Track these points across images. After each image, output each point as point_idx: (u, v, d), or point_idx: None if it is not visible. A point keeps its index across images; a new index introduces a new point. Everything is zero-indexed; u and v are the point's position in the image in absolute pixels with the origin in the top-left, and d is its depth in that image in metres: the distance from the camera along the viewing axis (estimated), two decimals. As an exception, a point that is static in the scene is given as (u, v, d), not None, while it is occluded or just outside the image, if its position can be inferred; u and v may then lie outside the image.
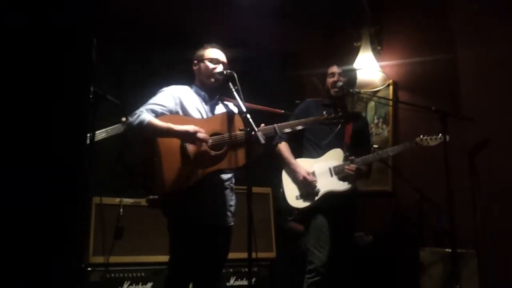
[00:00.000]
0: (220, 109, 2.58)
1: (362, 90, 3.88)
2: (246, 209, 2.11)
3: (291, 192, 2.96)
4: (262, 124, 2.41)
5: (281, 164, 3.05)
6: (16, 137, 1.27)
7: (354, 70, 3.33)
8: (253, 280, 3.45)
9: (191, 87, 2.58)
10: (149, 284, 3.19)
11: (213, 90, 2.55)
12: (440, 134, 2.77)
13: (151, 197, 2.49)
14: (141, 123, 2.30)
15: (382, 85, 4.13)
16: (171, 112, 2.41)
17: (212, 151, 2.36)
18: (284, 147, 3.05)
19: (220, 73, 2.47)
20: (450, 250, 2.79)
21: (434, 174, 3.26)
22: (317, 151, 3.05)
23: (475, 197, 3.09)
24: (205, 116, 2.49)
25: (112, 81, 3.61)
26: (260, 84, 3.88)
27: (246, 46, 3.85)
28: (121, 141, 2.97)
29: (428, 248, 3.24)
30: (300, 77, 4.62)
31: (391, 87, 4.08)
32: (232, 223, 2.50)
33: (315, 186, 2.91)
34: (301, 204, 2.93)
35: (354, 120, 3.18)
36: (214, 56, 2.54)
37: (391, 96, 4.05)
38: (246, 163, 2.38)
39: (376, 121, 4.19)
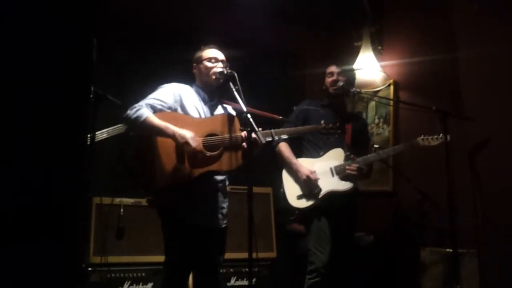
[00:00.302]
0: (219, 111, 2.58)
1: (362, 90, 3.87)
2: (246, 209, 2.11)
3: (292, 192, 2.95)
4: (260, 129, 2.40)
5: (282, 164, 3.04)
6: (17, 137, 1.27)
7: (352, 70, 3.33)
8: (254, 280, 3.45)
9: (192, 87, 2.58)
10: (150, 284, 3.19)
11: (214, 90, 2.55)
12: (441, 134, 2.77)
13: (150, 197, 2.49)
14: (138, 118, 2.29)
15: (382, 85, 4.12)
16: (170, 108, 2.40)
17: (208, 152, 2.35)
18: (284, 147, 3.05)
19: (221, 72, 2.47)
20: (450, 250, 2.78)
21: (435, 174, 3.26)
22: (317, 151, 3.05)
23: (475, 197, 3.09)
24: (203, 116, 2.48)
25: (112, 81, 3.61)
26: (261, 84, 3.88)
27: (246, 45, 3.85)
28: (122, 141, 2.96)
29: (429, 248, 3.24)
30: (300, 77, 4.62)
31: (391, 87, 4.07)
32: (225, 225, 2.50)
33: (318, 185, 2.91)
34: (302, 204, 2.92)
35: (353, 120, 3.18)
36: (212, 55, 2.54)
37: (391, 96, 4.04)
38: (240, 166, 2.40)
39: (376, 121, 4.19)
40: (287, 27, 4.53)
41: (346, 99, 3.41)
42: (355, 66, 3.97)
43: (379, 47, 4.23)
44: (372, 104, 4.25)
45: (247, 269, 3.25)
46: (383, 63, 4.12)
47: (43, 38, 1.33)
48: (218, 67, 2.50)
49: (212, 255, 2.46)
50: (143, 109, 2.31)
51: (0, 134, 1.24)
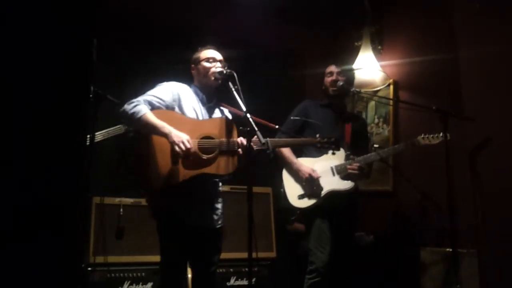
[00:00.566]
0: (216, 113, 2.58)
1: (362, 90, 3.88)
2: (246, 209, 2.11)
3: (292, 192, 2.95)
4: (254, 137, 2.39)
5: (282, 163, 3.04)
6: (17, 137, 1.27)
7: (352, 70, 3.33)
8: (254, 280, 3.44)
9: (190, 87, 2.57)
10: (149, 284, 3.19)
11: (213, 91, 2.55)
12: (442, 133, 2.77)
13: (147, 197, 2.50)
14: (135, 114, 2.27)
15: (382, 85, 4.12)
16: (167, 107, 2.39)
17: (204, 155, 2.35)
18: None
19: (220, 72, 2.47)
20: (450, 250, 2.78)
21: (435, 174, 3.25)
22: (317, 150, 3.04)
23: (475, 196, 3.09)
24: (200, 118, 2.48)
25: (112, 81, 3.61)
26: (260, 84, 3.88)
27: (246, 45, 3.85)
28: (122, 141, 2.96)
29: (429, 248, 3.24)
30: (300, 77, 4.61)
31: (391, 86, 4.07)
32: (220, 225, 2.50)
33: (319, 185, 2.90)
34: (303, 204, 2.91)
35: (353, 120, 3.18)
36: (210, 55, 2.54)
37: (391, 96, 4.04)
38: (236, 170, 2.38)
39: (376, 120, 4.19)
40: (287, 27, 4.53)
41: (346, 99, 3.41)
42: (355, 66, 3.97)
43: (379, 47, 4.23)
44: (372, 103, 4.25)
45: (246, 269, 3.24)
46: (383, 62, 4.12)
47: (44, 38, 1.33)
48: (217, 67, 2.50)
49: (208, 255, 2.46)
50: (141, 105, 2.30)
51: (0, 134, 1.23)
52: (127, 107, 2.30)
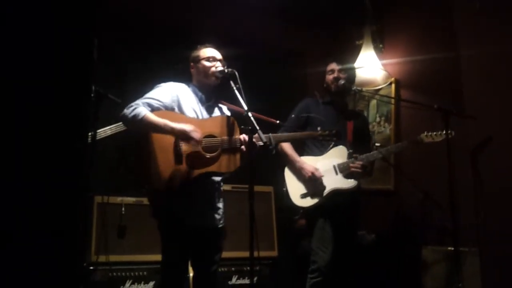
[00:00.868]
0: (216, 112, 2.57)
1: (364, 88, 3.87)
2: (248, 208, 2.11)
3: (295, 191, 2.93)
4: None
5: (284, 162, 3.03)
6: (18, 136, 1.27)
7: (353, 68, 3.32)
8: (255, 279, 3.46)
9: (189, 86, 2.56)
10: (151, 283, 3.19)
11: (212, 90, 2.55)
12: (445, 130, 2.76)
13: (148, 194, 2.50)
14: (136, 116, 2.28)
15: (384, 83, 4.12)
16: (166, 108, 2.39)
17: (207, 154, 2.35)
18: (286, 145, 3.03)
19: (221, 71, 2.46)
20: (452, 249, 2.78)
21: (436, 173, 3.25)
22: (319, 149, 3.03)
23: (477, 195, 3.08)
24: (200, 117, 2.47)
25: (113, 80, 3.61)
26: (261, 83, 3.87)
27: (247, 45, 3.85)
28: (123, 140, 2.96)
29: (431, 247, 3.24)
30: (301, 76, 4.61)
31: (393, 85, 4.07)
32: (221, 225, 2.50)
33: (322, 183, 2.89)
34: (306, 203, 2.90)
35: (355, 118, 3.17)
36: (209, 54, 2.53)
37: (393, 94, 4.04)
38: (238, 168, 2.38)
39: (378, 119, 4.18)
40: (287, 26, 4.53)
41: (347, 97, 3.41)
42: (356, 64, 3.97)
43: (380, 46, 4.23)
44: (374, 102, 4.24)
45: (248, 268, 3.26)
46: (384, 61, 4.12)
47: (44, 38, 1.33)
48: (217, 66, 2.49)
49: (209, 254, 2.46)
50: (140, 108, 2.30)
51: (1, 133, 1.24)
52: (127, 111, 2.31)
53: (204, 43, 2.60)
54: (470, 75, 3.32)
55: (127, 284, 3.14)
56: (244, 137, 2.35)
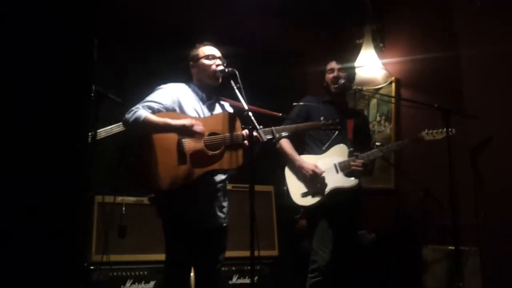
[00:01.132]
0: (217, 109, 2.57)
1: (364, 88, 3.87)
2: (248, 208, 2.11)
3: (296, 190, 2.92)
4: (260, 126, 2.40)
5: (284, 161, 3.02)
6: (18, 136, 1.27)
7: (353, 67, 3.31)
8: (256, 278, 3.47)
9: (189, 86, 2.56)
10: (152, 283, 3.19)
11: (213, 89, 2.55)
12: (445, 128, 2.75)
13: (153, 195, 2.50)
14: (137, 119, 2.28)
15: (384, 83, 4.11)
16: (167, 110, 2.39)
17: (210, 151, 2.35)
18: (286, 144, 3.02)
19: (222, 71, 2.46)
20: (453, 248, 2.78)
21: (436, 172, 3.25)
22: (319, 147, 3.03)
23: (478, 194, 3.08)
24: (202, 116, 2.47)
25: (113, 80, 3.61)
26: (261, 83, 3.87)
27: (247, 45, 3.85)
28: (123, 140, 2.96)
29: (431, 246, 3.24)
30: (301, 76, 4.61)
31: (393, 84, 4.06)
32: (226, 224, 2.50)
33: (323, 182, 2.88)
34: (307, 202, 2.89)
35: (355, 116, 3.17)
36: (209, 52, 2.53)
37: (393, 94, 4.03)
38: (242, 164, 2.38)
39: (378, 118, 4.18)
40: (287, 26, 4.52)
41: (348, 97, 3.40)
42: (356, 63, 3.96)
43: (381, 45, 4.23)
44: (374, 101, 4.24)
45: (249, 267, 3.26)
46: (385, 60, 4.12)
47: (45, 38, 1.33)
48: (217, 64, 2.49)
49: (214, 254, 2.46)
50: (140, 111, 2.31)
51: (1, 133, 1.24)
52: (127, 116, 2.32)
53: (203, 40, 2.60)
54: (470, 75, 3.32)
55: (128, 284, 3.14)
56: (246, 132, 2.34)
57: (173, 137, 2.33)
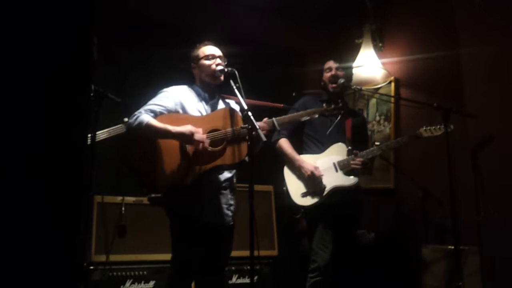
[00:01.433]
0: (221, 107, 2.57)
1: (363, 87, 3.87)
2: (248, 207, 2.11)
3: (295, 190, 2.92)
4: (265, 119, 2.41)
5: (284, 160, 3.02)
6: (17, 136, 1.27)
7: (351, 67, 3.31)
8: (255, 278, 3.47)
9: (192, 87, 2.57)
10: (152, 283, 3.19)
11: (215, 88, 2.55)
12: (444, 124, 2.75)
13: (152, 195, 2.49)
14: (139, 124, 2.30)
15: (383, 82, 4.12)
16: (170, 112, 2.40)
17: (210, 147, 2.36)
18: (285, 144, 3.01)
19: (221, 70, 2.47)
20: (452, 247, 2.78)
21: (436, 172, 3.25)
22: (318, 146, 3.02)
23: (477, 193, 3.08)
24: None
25: (114, 80, 3.61)
26: (261, 82, 3.87)
27: (247, 44, 3.85)
28: (124, 140, 2.96)
29: (431, 245, 3.24)
30: (301, 75, 4.61)
31: (392, 84, 4.07)
32: (233, 222, 2.50)
33: (323, 181, 2.87)
34: (307, 201, 2.88)
35: (353, 116, 3.17)
36: (209, 52, 2.54)
37: (392, 93, 4.03)
38: (246, 160, 2.38)
39: (377, 118, 4.18)
40: (287, 25, 4.52)
41: (347, 97, 3.40)
42: (355, 63, 3.96)
43: (380, 44, 4.23)
44: (373, 101, 4.24)
45: (248, 267, 3.26)
46: (384, 60, 4.12)
47: (44, 37, 1.33)
48: (217, 63, 2.49)
49: (220, 253, 2.47)
50: (142, 115, 2.32)
51: (1, 133, 1.23)
52: (131, 121, 2.34)
53: (203, 40, 2.60)
54: (471, 74, 3.32)
55: (127, 284, 3.14)
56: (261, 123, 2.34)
57: None
